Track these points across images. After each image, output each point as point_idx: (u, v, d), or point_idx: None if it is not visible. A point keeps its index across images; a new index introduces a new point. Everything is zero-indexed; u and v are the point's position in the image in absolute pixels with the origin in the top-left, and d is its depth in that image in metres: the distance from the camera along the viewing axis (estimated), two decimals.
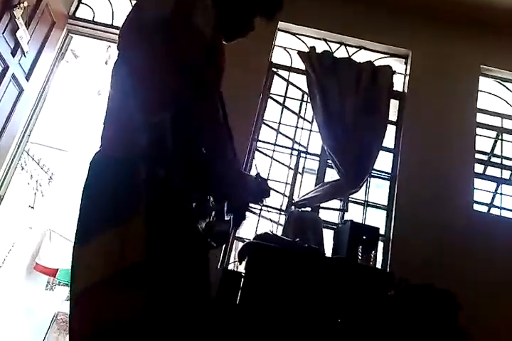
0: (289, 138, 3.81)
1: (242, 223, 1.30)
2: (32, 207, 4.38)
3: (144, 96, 1.09)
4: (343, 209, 3.57)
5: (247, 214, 1.34)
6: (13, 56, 3.10)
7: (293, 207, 3.41)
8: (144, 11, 1.19)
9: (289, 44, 4.08)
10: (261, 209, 3.35)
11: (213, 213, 1.10)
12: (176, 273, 1.04)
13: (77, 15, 3.97)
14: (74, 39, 4.00)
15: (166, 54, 1.05)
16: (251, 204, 1.80)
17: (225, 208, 1.16)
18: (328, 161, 3.61)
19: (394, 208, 3.51)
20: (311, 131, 3.86)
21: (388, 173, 3.74)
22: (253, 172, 3.53)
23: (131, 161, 1.04)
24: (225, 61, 1.34)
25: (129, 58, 1.19)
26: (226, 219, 1.17)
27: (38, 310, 5.15)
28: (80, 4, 4.02)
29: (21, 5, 3.01)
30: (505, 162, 3.98)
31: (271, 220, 3.48)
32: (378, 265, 3.16)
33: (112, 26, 3.93)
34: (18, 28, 3.04)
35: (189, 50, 1.08)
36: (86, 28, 3.93)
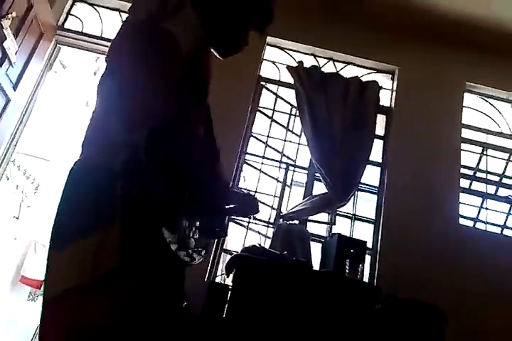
0: (278, 151, 3.83)
1: (221, 236, 1.29)
2: (17, 218, 4.32)
3: (123, 110, 1.09)
4: (331, 223, 3.57)
5: (227, 229, 1.33)
6: (0, 66, 3.08)
7: (281, 219, 3.41)
8: (127, 19, 1.20)
9: (278, 58, 4.12)
10: (249, 222, 3.34)
11: (190, 228, 1.08)
12: (149, 284, 1.04)
13: (66, 26, 3.97)
14: (62, 50, 3.99)
15: (137, 59, 1.04)
16: (239, 217, 1.80)
17: (202, 223, 1.14)
18: (317, 174, 3.63)
19: (381, 222, 3.53)
20: (299, 144, 3.88)
21: (375, 187, 3.76)
22: (242, 185, 3.54)
23: (109, 173, 1.04)
24: (211, 75, 1.32)
25: (109, 68, 1.19)
26: (200, 235, 1.14)
27: (21, 321, 5.05)
28: (69, 15, 4.02)
29: (9, 15, 3.00)
30: (490, 177, 4.03)
31: (259, 233, 3.48)
32: (365, 278, 3.16)
33: (100, 38, 3.93)
34: (6, 39, 3.03)
35: (162, 54, 1.07)
36: (74, 39, 3.92)
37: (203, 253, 1.14)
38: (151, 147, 0.99)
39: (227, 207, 1.53)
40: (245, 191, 1.71)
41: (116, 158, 1.03)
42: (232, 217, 1.79)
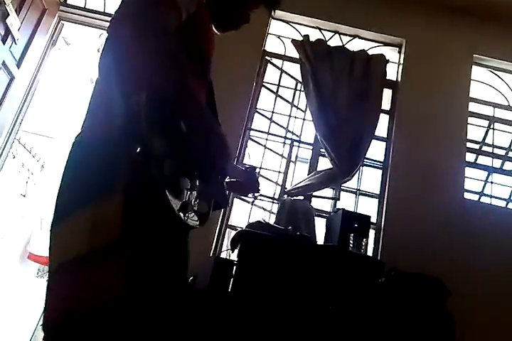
0: (282, 126, 3.82)
1: (225, 205, 1.28)
2: (24, 196, 4.37)
3: (121, 76, 1.08)
4: (335, 198, 3.59)
5: (228, 199, 1.32)
6: (4, 43, 3.07)
7: (285, 195, 3.43)
8: None
9: (283, 32, 4.06)
10: (253, 202, 3.34)
11: (191, 191, 1.07)
12: (153, 252, 1.04)
13: (69, 2, 3.92)
14: (65, 26, 3.96)
15: (132, 21, 1.01)
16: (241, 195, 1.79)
17: (204, 187, 1.13)
18: (321, 150, 3.62)
19: (385, 196, 3.54)
20: (304, 119, 3.86)
21: (380, 162, 3.75)
22: (246, 161, 3.55)
23: (108, 141, 1.04)
24: (213, 47, 1.30)
25: (110, 38, 1.18)
26: (204, 198, 1.14)
27: (30, 297, 5.17)
28: None
29: None
30: (497, 151, 4.00)
31: (263, 209, 3.51)
32: (369, 253, 3.19)
33: (104, 13, 3.89)
34: (9, 15, 3.01)
35: (158, 13, 1.03)
36: (78, 15, 3.89)
37: (204, 217, 1.13)
38: (149, 109, 0.98)
39: (228, 180, 1.54)
40: (248, 165, 1.70)
41: (114, 125, 1.02)
42: (235, 194, 1.79)
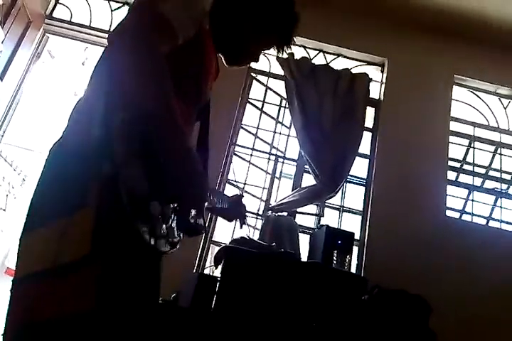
0: (267, 143, 3.83)
1: (195, 233, 1.24)
2: (4, 210, 4.28)
3: (109, 91, 1.07)
4: (319, 214, 3.60)
5: (205, 226, 1.27)
6: None
7: (269, 211, 3.42)
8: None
9: (268, 50, 4.09)
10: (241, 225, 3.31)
11: (163, 215, 1.05)
12: (121, 270, 1.01)
13: (54, 15, 3.92)
14: (50, 39, 3.95)
15: (127, 37, 1.00)
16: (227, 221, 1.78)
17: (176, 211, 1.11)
18: (305, 167, 3.64)
19: (369, 213, 3.56)
20: (288, 136, 3.89)
21: (363, 179, 3.79)
22: (230, 177, 3.54)
23: (84, 153, 1.02)
24: (212, 70, 1.29)
25: (107, 52, 1.18)
26: (175, 223, 1.12)
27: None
28: (57, 4, 3.97)
29: None
30: (477, 169, 4.07)
31: (247, 224, 3.49)
32: (353, 269, 3.19)
33: (89, 27, 3.89)
34: None
35: (151, 34, 1.02)
36: (63, 28, 3.88)
37: (174, 244, 1.10)
38: (128, 126, 0.97)
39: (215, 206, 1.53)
40: (234, 193, 1.70)
41: (91, 137, 1.00)
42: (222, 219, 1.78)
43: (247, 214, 1.70)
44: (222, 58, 1.39)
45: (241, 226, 1.75)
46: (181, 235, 1.13)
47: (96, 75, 1.17)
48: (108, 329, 0.98)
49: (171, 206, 1.07)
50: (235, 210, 1.66)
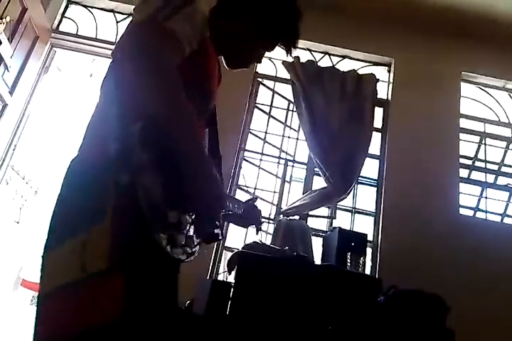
0: (276, 147, 3.83)
1: (214, 240, 1.25)
2: (17, 222, 4.33)
3: (122, 105, 1.08)
4: (331, 217, 3.58)
5: (222, 232, 1.28)
6: None
7: (281, 215, 3.42)
8: (132, 18, 1.19)
9: (274, 54, 4.10)
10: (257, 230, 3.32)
11: (182, 225, 1.06)
12: (144, 279, 1.03)
13: (61, 29, 3.98)
14: (58, 53, 3.99)
15: (135, 56, 1.01)
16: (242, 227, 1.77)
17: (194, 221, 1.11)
18: (315, 169, 3.63)
19: (381, 214, 3.54)
20: (297, 139, 3.88)
21: (375, 180, 3.77)
22: (241, 182, 3.55)
23: (101, 167, 1.03)
24: (216, 79, 1.29)
25: (111, 66, 1.19)
26: (194, 233, 1.12)
27: (24, 325, 5.07)
28: (64, 18, 4.03)
29: (4, 20, 3.01)
30: (489, 166, 4.03)
31: (260, 229, 3.48)
32: (367, 271, 3.17)
33: (95, 39, 3.93)
34: (1, 43, 3.03)
35: (161, 50, 1.03)
36: (70, 41, 3.93)
37: (193, 252, 1.11)
38: (143, 139, 0.98)
39: (229, 213, 1.52)
40: (249, 198, 1.69)
41: (108, 152, 1.01)
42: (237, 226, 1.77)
43: (262, 219, 1.68)
44: (223, 61, 1.39)
45: (257, 232, 1.74)
46: (199, 243, 1.13)
47: (106, 90, 1.18)
48: (135, 339, 1.00)
49: (189, 214, 1.08)
50: (250, 216, 1.64)
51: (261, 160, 3.74)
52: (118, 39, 1.13)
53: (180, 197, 1.04)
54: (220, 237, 1.25)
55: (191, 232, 1.09)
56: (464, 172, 3.89)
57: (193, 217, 1.08)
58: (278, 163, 3.78)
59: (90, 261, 0.99)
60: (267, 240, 3.31)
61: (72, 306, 0.99)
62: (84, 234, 1.01)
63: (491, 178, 3.99)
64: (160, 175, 1.00)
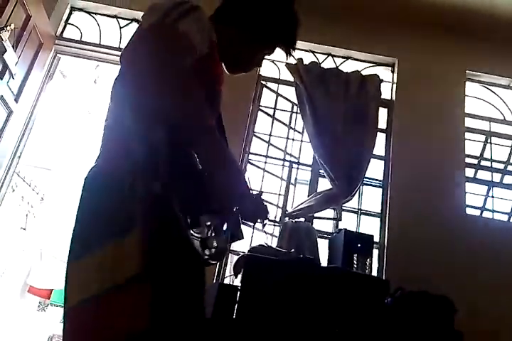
0: (281, 149, 3.83)
1: (236, 239, 1.26)
2: (24, 229, 4.35)
3: (140, 111, 1.08)
4: (337, 218, 3.57)
5: (243, 231, 1.28)
6: (1, 78, 3.11)
7: (287, 218, 3.41)
8: (140, 25, 1.19)
9: (277, 57, 4.11)
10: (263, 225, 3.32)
11: (211, 227, 1.07)
12: (174, 287, 1.03)
13: (65, 35, 4.00)
14: (62, 59, 4.02)
15: (152, 57, 1.02)
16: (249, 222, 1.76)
17: (222, 222, 1.12)
18: (320, 171, 3.63)
19: (387, 215, 3.52)
20: (301, 141, 3.88)
21: (380, 181, 3.76)
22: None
23: (124, 176, 1.03)
24: (222, 81, 1.30)
25: (121, 72, 1.19)
26: (223, 234, 1.12)
27: (32, 332, 5.08)
28: (67, 25, 4.06)
29: (8, 27, 3.04)
30: (495, 165, 4.01)
31: (265, 232, 3.49)
32: (374, 272, 3.16)
33: (99, 45, 3.95)
34: (6, 51, 3.06)
35: (175, 51, 1.04)
36: (74, 47, 3.95)
37: (222, 253, 1.12)
38: (167, 144, 0.98)
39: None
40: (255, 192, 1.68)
41: (130, 159, 1.01)
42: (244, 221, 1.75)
43: (268, 213, 1.67)
44: (224, 67, 1.40)
45: (263, 226, 1.72)
46: (228, 243, 1.15)
47: (117, 93, 1.18)
48: None
49: (217, 217, 1.09)
50: (258, 210, 1.64)
51: (265, 162, 3.74)
52: (126, 44, 1.14)
53: (209, 200, 1.04)
54: (242, 236, 1.26)
55: (220, 235, 1.10)
56: (470, 172, 3.87)
57: (221, 219, 1.09)
58: (283, 165, 3.78)
59: (120, 269, 0.99)
60: (273, 243, 3.31)
61: (100, 316, 0.99)
62: (112, 244, 1.00)
63: (497, 177, 3.97)
64: (190, 179, 1.00)
